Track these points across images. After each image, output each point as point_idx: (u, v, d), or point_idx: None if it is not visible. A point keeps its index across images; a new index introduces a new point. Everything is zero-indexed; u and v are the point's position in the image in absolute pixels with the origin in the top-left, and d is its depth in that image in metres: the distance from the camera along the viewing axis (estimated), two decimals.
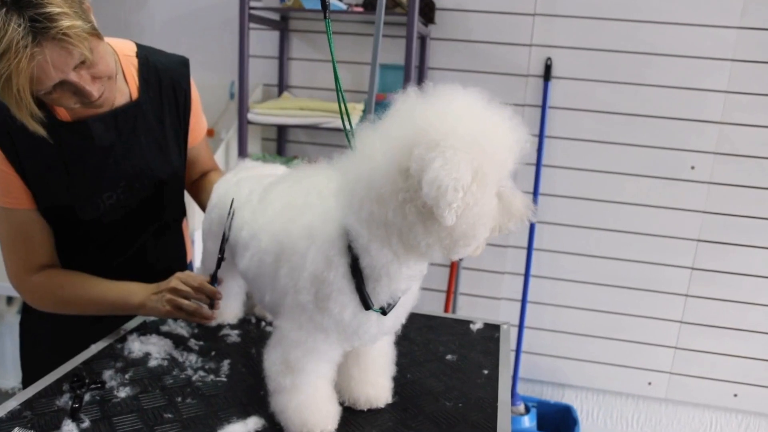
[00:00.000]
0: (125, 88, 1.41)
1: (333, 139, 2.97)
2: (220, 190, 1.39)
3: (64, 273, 1.40)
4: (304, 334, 1.05)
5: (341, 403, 1.15)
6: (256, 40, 2.92)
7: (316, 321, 1.03)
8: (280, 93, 2.98)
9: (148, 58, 1.45)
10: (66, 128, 1.32)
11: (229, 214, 1.29)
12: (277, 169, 1.44)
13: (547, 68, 2.74)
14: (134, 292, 1.36)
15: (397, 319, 1.09)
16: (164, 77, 1.46)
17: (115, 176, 1.39)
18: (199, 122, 1.57)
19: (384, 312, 1.02)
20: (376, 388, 1.18)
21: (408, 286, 1.02)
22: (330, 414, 1.10)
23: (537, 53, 2.77)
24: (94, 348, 1.34)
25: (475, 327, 1.57)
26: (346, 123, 1.18)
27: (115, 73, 1.31)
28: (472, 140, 0.85)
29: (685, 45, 2.63)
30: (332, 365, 1.11)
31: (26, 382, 1.55)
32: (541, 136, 2.79)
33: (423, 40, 2.78)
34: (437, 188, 0.83)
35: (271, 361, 1.09)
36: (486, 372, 1.34)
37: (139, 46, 1.46)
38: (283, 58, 2.96)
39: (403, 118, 0.91)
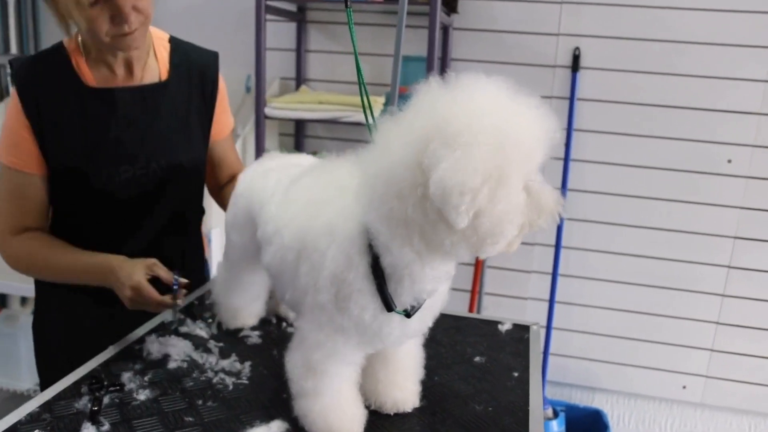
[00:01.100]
0: (155, 67, 1.48)
1: (353, 134, 2.97)
2: (247, 180, 1.39)
3: (44, 237, 1.45)
4: (324, 335, 1.05)
5: (367, 407, 1.15)
6: (272, 32, 2.93)
7: (336, 322, 1.03)
8: (297, 86, 2.98)
9: (180, 45, 1.53)
10: (92, 94, 1.39)
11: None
12: (304, 159, 1.43)
13: (575, 58, 2.72)
14: (108, 262, 1.38)
15: (422, 322, 1.08)
16: (194, 65, 1.53)
17: (134, 150, 1.43)
18: (225, 115, 1.62)
19: (408, 314, 1.02)
20: (404, 391, 1.18)
21: (434, 288, 1.01)
22: (355, 417, 1.10)
23: (564, 43, 2.75)
24: (112, 349, 1.36)
25: (503, 328, 1.56)
26: (369, 117, 1.18)
27: (149, 46, 1.42)
28: (495, 132, 0.84)
29: (721, 32, 2.60)
30: (355, 368, 1.10)
31: (43, 384, 1.57)
32: (569, 129, 2.77)
33: (446, 30, 2.77)
34: (442, 190, 0.83)
35: (292, 363, 1.09)
36: (516, 375, 1.33)
37: (172, 36, 1.54)
38: (300, 51, 2.97)
39: (424, 110, 0.89)
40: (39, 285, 1.59)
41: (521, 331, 1.56)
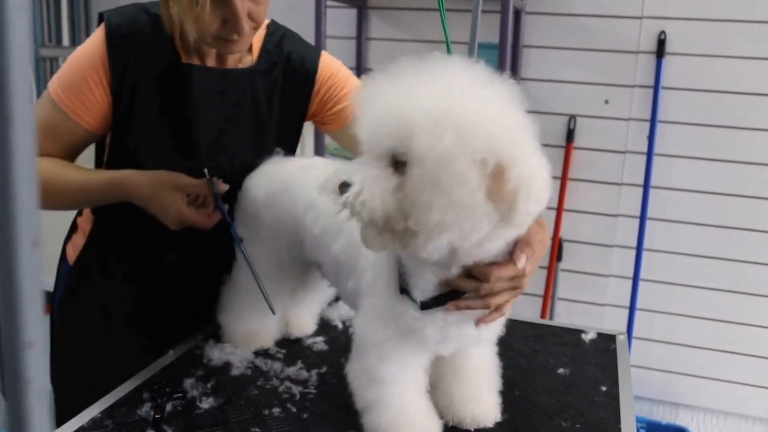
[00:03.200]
0: (249, 58, 1.43)
1: None
2: (266, 186, 1.34)
3: (57, 159, 1.36)
4: (368, 323, 1.06)
5: (445, 424, 1.13)
6: (331, 19, 2.93)
7: (376, 304, 1.05)
8: (358, 77, 2.97)
9: (278, 30, 1.47)
10: (175, 67, 1.34)
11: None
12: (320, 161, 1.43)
13: (661, 43, 2.65)
14: (123, 181, 1.33)
15: (464, 334, 1.05)
16: (286, 54, 1.45)
17: (206, 144, 1.38)
18: (347, 99, 1.50)
19: (422, 306, 1.00)
20: (482, 405, 1.16)
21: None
22: (428, 429, 1.09)
23: (648, 26, 2.67)
24: (172, 354, 1.37)
25: (587, 337, 1.53)
26: None
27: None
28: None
29: None
30: (417, 373, 1.10)
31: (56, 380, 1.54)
32: (653, 120, 2.70)
33: (517, 14, 2.73)
34: None
35: (353, 374, 1.11)
36: (604, 389, 1.30)
37: (273, 20, 1.49)
38: (361, 39, 2.97)
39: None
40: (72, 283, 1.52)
41: (606, 341, 1.52)
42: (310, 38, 2.62)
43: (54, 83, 1.33)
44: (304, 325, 1.48)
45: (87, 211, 1.50)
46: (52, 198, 1.33)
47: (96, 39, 1.32)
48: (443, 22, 1.18)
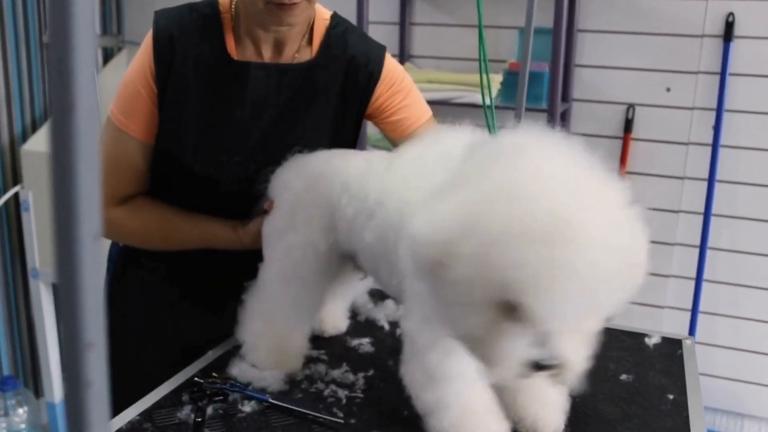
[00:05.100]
0: (309, 52, 1.44)
1: (465, 117, 2.93)
2: (298, 174, 1.35)
3: (151, 206, 1.46)
4: (431, 329, 1.04)
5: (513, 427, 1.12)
6: (374, 4, 2.93)
7: (427, 313, 1.03)
8: (401, 64, 2.97)
9: (340, 24, 1.47)
10: (228, 66, 1.39)
11: None
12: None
13: (729, 26, 2.60)
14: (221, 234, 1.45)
15: None
16: (349, 50, 1.45)
17: (257, 141, 1.41)
18: (408, 110, 1.53)
19: None
20: (546, 407, 1.13)
21: None
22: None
23: (715, 7, 2.62)
24: (211, 355, 1.39)
25: (651, 341, 1.51)
26: (486, 97, 1.16)
27: (307, 27, 1.41)
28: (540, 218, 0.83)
29: None
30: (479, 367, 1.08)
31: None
32: (719, 110, 2.65)
33: None
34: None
35: (410, 375, 1.09)
36: (671, 397, 1.28)
37: (336, 13, 1.49)
38: (404, 24, 2.97)
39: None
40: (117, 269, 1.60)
41: (672, 346, 1.51)
42: None
43: (113, 109, 1.40)
44: (339, 322, 1.49)
45: None
46: (155, 245, 1.49)
47: (144, 45, 1.38)
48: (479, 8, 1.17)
